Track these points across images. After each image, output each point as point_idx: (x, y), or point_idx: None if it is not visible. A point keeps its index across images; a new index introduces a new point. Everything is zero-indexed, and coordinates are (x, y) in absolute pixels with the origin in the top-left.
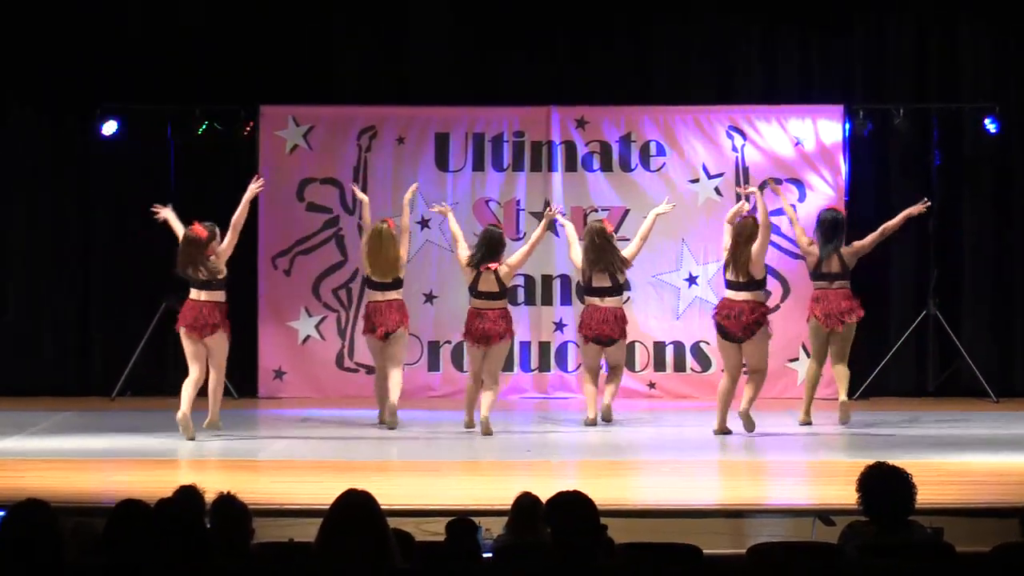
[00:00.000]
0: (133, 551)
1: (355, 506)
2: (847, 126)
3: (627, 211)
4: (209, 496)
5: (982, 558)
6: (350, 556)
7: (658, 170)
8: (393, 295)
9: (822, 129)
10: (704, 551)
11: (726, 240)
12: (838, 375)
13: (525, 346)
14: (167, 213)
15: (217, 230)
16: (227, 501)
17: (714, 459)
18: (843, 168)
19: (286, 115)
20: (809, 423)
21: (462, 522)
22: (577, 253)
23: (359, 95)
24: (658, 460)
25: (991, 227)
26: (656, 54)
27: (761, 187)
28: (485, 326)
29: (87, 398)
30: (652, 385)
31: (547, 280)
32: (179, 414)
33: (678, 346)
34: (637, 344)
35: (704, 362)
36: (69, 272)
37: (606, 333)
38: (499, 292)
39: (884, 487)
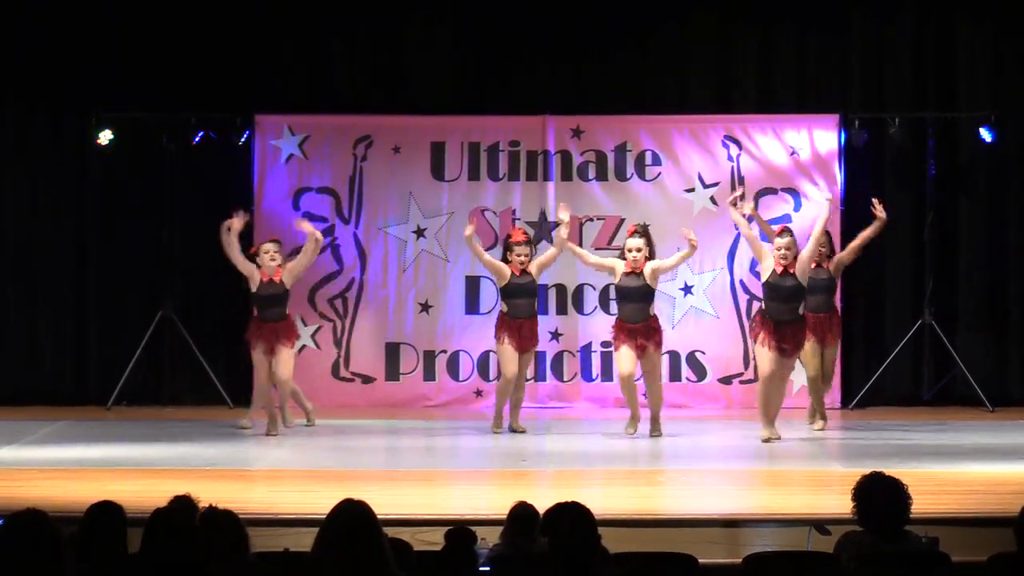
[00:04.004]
0: (129, 561)
1: (352, 516)
2: (843, 135)
3: (622, 220)
4: (204, 506)
5: (978, 567)
6: (346, 566)
7: (654, 180)
8: None
9: (818, 138)
10: (700, 560)
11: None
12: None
13: None
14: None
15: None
16: (212, 514)
17: (709, 468)
18: (839, 177)
19: (282, 124)
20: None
21: (461, 531)
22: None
23: (355, 104)
24: (653, 470)
25: (986, 236)
26: (652, 64)
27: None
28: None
29: (83, 407)
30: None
31: (543, 289)
32: None
33: (673, 355)
34: None
35: (699, 371)
36: (65, 281)
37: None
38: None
39: (880, 497)
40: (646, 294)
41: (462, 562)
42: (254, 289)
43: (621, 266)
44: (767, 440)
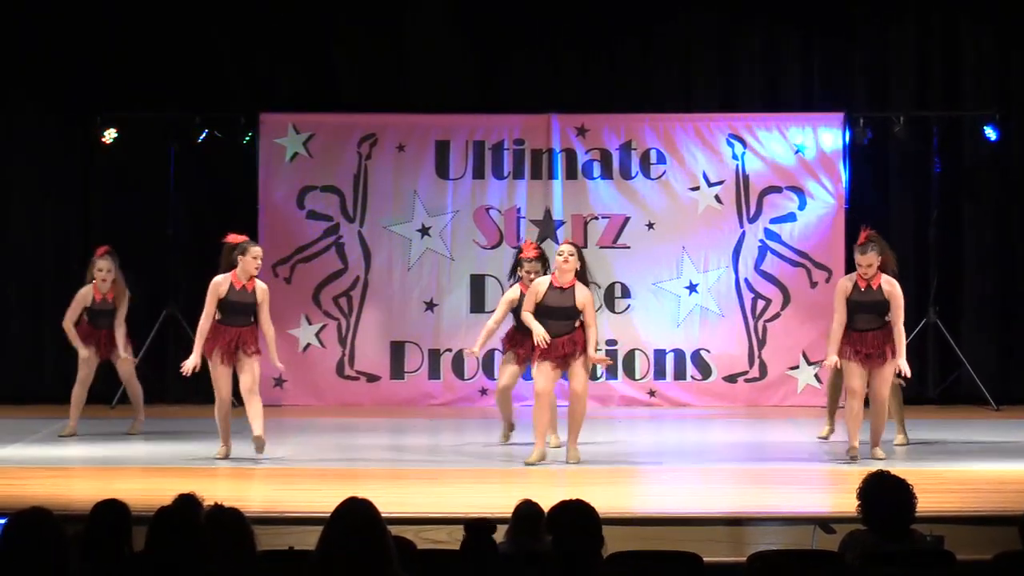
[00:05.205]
0: (134, 560)
1: (355, 514)
2: (847, 134)
3: (627, 219)
4: (209, 504)
5: (982, 566)
6: (350, 564)
7: (658, 178)
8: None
9: (822, 137)
10: (704, 559)
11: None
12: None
13: None
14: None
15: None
16: (218, 512)
17: (714, 467)
18: (843, 176)
19: (286, 123)
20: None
21: (479, 522)
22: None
23: (359, 103)
24: (658, 468)
25: (991, 235)
26: (656, 62)
27: None
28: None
29: (88, 406)
30: (652, 393)
31: None
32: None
33: (678, 354)
34: (637, 352)
35: (704, 370)
36: (70, 280)
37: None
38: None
39: (885, 495)
40: (572, 315)
41: (481, 554)
42: (88, 304)
43: (543, 284)
44: (852, 457)
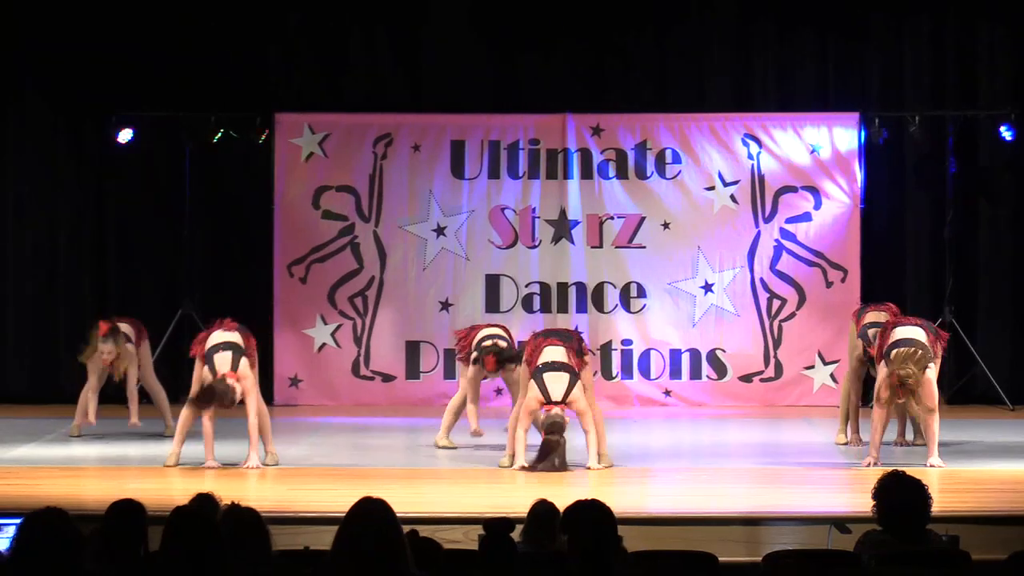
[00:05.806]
0: (152, 560)
1: (370, 514)
2: (863, 134)
3: (643, 219)
4: (226, 504)
5: (998, 566)
6: (365, 563)
7: (674, 178)
8: None
9: (838, 137)
10: (720, 558)
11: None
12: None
13: None
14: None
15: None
16: (234, 511)
17: (729, 467)
18: (859, 176)
19: (302, 122)
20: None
21: (498, 521)
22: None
23: (374, 102)
24: (673, 467)
25: (1007, 234)
26: (671, 61)
27: None
28: None
29: (102, 406)
30: (668, 392)
31: (563, 288)
32: None
33: (694, 353)
34: (653, 351)
35: (720, 369)
36: (85, 279)
37: None
38: None
39: (900, 496)
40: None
41: (501, 553)
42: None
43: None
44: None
